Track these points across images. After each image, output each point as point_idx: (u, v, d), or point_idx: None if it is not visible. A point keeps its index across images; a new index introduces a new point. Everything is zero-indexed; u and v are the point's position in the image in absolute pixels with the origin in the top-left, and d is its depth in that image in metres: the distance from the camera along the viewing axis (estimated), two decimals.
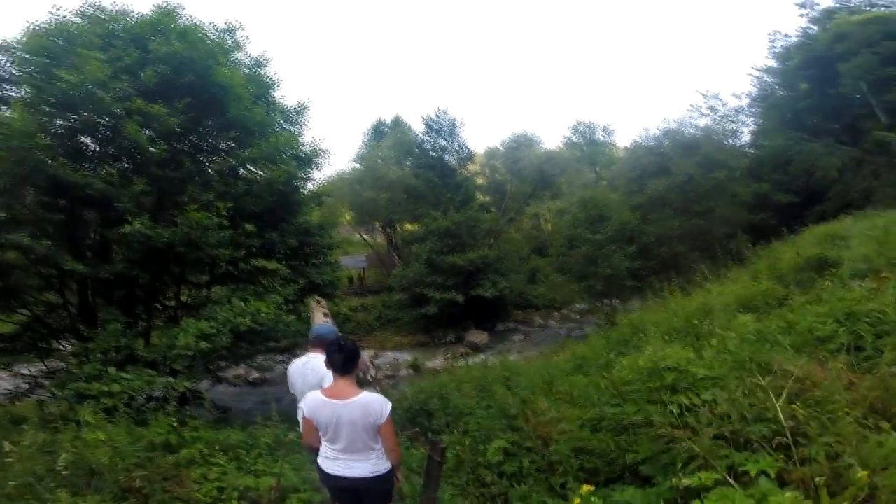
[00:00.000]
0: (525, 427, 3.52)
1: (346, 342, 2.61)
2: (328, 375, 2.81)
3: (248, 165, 7.76)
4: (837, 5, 17.65)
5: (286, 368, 13.26)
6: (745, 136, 21.33)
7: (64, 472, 3.16)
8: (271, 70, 9.11)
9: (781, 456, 2.09)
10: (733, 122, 20.71)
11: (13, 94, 6.21)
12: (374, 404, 2.49)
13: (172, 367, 6.03)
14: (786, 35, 19.32)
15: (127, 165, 6.48)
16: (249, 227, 6.88)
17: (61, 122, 5.90)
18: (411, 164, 25.56)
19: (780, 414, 2.19)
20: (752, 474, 1.98)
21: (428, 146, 25.10)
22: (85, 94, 5.71)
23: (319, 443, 2.63)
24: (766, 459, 1.99)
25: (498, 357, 7.40)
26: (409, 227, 28.52)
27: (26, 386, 6.66)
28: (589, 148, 32.04)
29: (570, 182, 25.47)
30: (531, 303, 24.08)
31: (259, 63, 8.97)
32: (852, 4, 17.22)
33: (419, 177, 23.80)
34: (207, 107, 7.10)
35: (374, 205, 24.32)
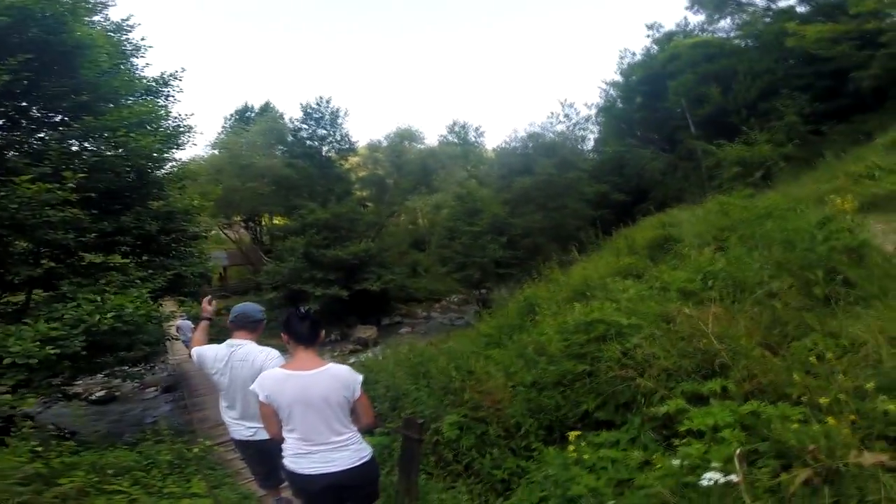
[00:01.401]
0: (476, 397, 3.54)
1: (304, 311, 2.28)
2: (268, 364, 2.50)
3: (96, 136, 6.22)
4: (677, 29, 21.46)
5: (137, 382, 11.11)
6: (591, 142, 25.07)
7: None
8: (136, 36, 7.76)
9: (720, 381, 2.53)
10: (583, 129, 24.25)
11: None
12: (346, 373, 2.21)
13: (4, 382, 4.64)
14: (632, 53, 23.09)
15: None
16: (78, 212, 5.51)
17: None
18: (283, 152, 23.71)
19: (716, 344, 2.66)
20: (702, 393, 2.39)
21: (305, 135, 23.60)
22: None
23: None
24: (715, 381, 2.39)
25: (393, 349, 7.36)
26: (277, 220, 26.37)
27: None
28: (462, 147, 33.88)
29: (446, 179, 26.50)
30: (413, 296, 24.47)
31: (120, 28, 7.65)
32: (688, 28, 21.09)
33: (293, 166, 22.13)
34: (53, 67, 5.62)
35: (237, 196, 21.80)
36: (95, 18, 7.11)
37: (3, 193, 4.67)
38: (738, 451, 1.53)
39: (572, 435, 2.42)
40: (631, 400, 2.76)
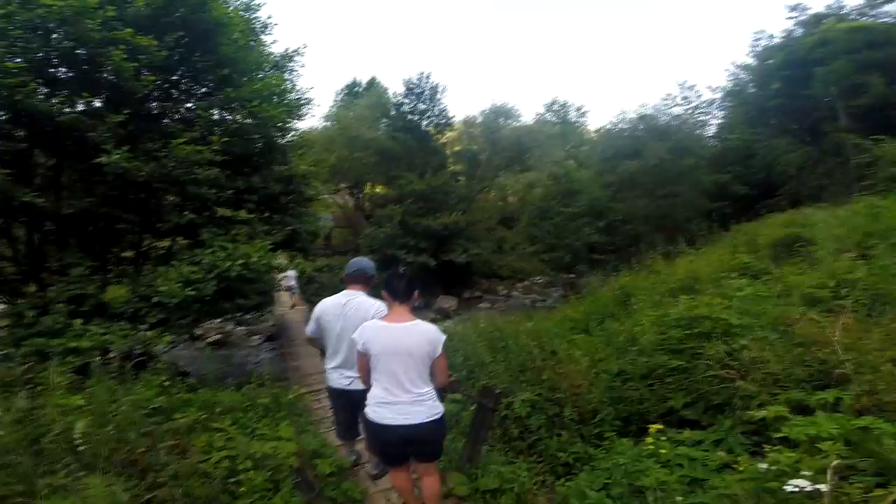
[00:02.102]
0: (554, 379, 3.54)
1: (400, 270, 2.58)
2: (376, 315, 2.74)
3: (234, 106, 7.08)
4: (827, 11, 18.37)
5: (245, 329, 12.53)
6: (713, 128, 22.41)
7: (51, 447, 2.69)
8: (263, 14, 8.51)
9: (834, 392, 2.27)
10: (705, 113, 21.72)
11: None
12: (433, 331, 2.43)
13: (148, 321, 5.36)
14: (770, 35, 20.11)
15: (107, 97, 5.66)
16: (218, 172, 6.23)
17: (35, 45, 4.99)
18: (386, 126, 24.68)
19: (840, 354, 2.37)
20: (808, 403, 2.16)
21: (407, 109, 24.35)
22: (63, 20, 4.89)
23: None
24: (829, 392, 2.16)
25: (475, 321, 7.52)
26: (378, 189, 27.90)
27: None
28: (562, 126, 32.36)
29: (541, 158, 25.70)
30: (496, 272, 24.53)
31: (249, 7, 8.32)
32: (843, 12, 18.02)
33: (396, 139, 23.12)
34: (198, 43, 6.40)
35: (345, 165, 23.47)
36: None
37: (163, 153, 5.57)
38: (833, 463, 1.40)
39: (653, 428, 2.36)
40: (725, 402, 2.58)
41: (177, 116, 6.96)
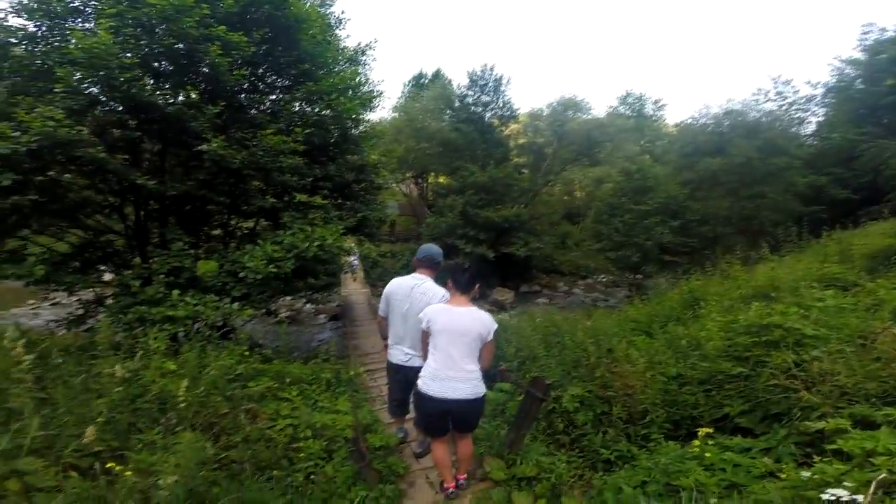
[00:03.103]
0: (608, 377, 3.53)
1: (466, 267, 2.90)
2: (440, 299, 3.03)
3: (314, 99, 7.56)
4: None
5: (313, 307, 13.21)
6: (811, 126, 20.17)
7: (146, 406, 2.99)
8: (337, 9, 8.91)
9: None
10: (802, 110, 19.59)
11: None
12: (487, 318, 2.76)
13: (232, 294, 5.83)
14: (881, 28, 17.68)
15: (203, 89, 6.21)
16: (297, 160, 6.63)
17: (144, 42, 5.60)
18: (450, 117, 24.99)
19: None
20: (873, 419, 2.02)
21: (470, 101, 24.50)
22: (165, 18, 5.45)
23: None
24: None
25: (530, 314, 7.46)
26: (441, 179, 28.36)
27: (80, 311, 6.44)
28: (636, 120, 30.58)
29: (612, 153, 24.58)
30: (557, 268, 24.07)
31: (324, 3, 8.74)
32: None
33: (458, 130, 23.34)
34: (280, 39, 6.87)
35: (410, 155, 24.09)
36: None
37: (253, 143, 6.13)
38: (880, 477, 1.35)
39: (703, 431, 2.32)
40: (784, 412, 2.46)
41: (262, 108, 7.58)
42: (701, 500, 1.89)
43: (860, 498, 1.32)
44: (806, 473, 1.62)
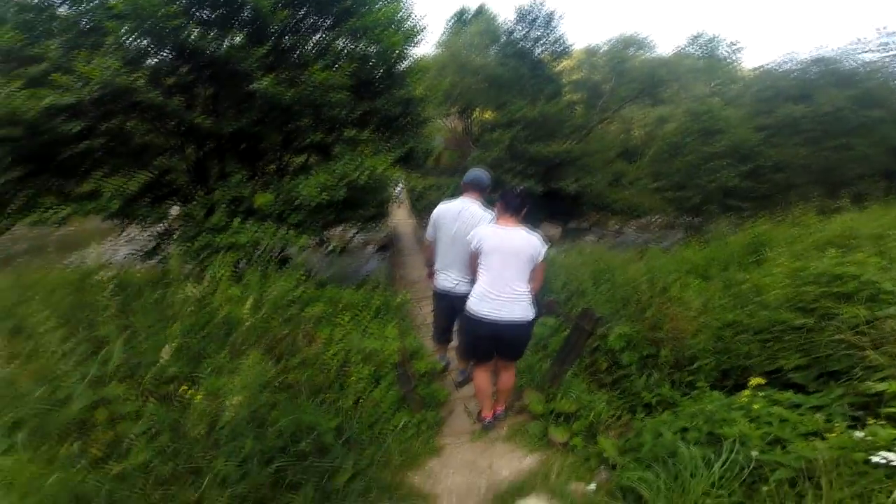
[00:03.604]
0: (659, 317, 3.45)
1: (517, 188, 2.90)
2: (488, 222, 3.00)
3: (358, 35, 7.28)
4: None
5: (362, 238, 13.75)
6: None
7: (214, 331, 3.06)
8: None
9: None
10: None
11: None
12: (537, 240, 2.72)
13: (289, 222, 6.05)
14: None
15: (248, 33, 6.13)
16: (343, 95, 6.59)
17: None
18: (496, 52, 23.76)
19: None
20: None
21: (518, 36, 23.12)
22: None
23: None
24: None
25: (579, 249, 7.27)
26: (487, 115, 27.38)
27: (153, 244, 6.97)
28: (708, 61, 27.28)
29: (678, 93, 22.50)
30: (609, 206, 23.11)
31: None
32: None
33: (506, 66, 22.17)
34: None
35: (455, 90, 23.28)
36: None
37: (302, 80, 6.09)
38: None
39: (753, 381, 2.26)
40: (844, 370, 2.33)
41: (308, 48, 7.44)
42: (742, 452, 1.88)
43: None
44: (859, 434, 1.56)
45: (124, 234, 7.69)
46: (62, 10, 5.63)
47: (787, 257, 4.42)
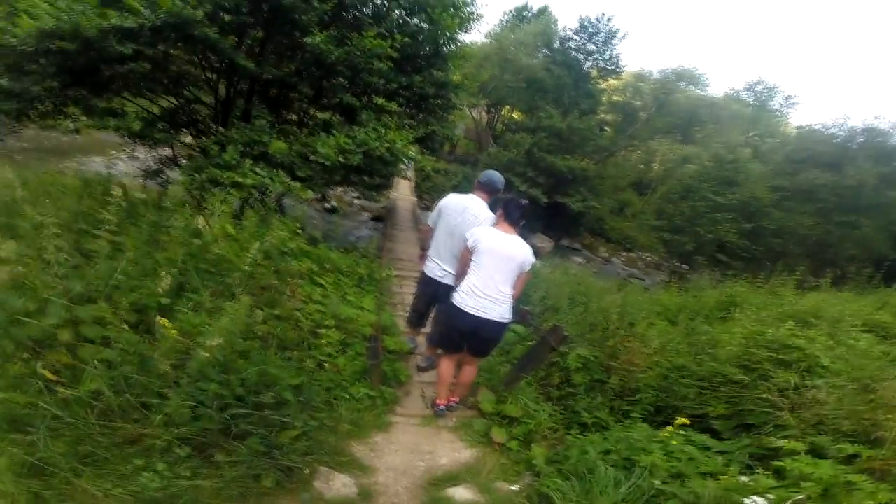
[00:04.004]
0: (618, 348, 3.71)
1: (521, 201, 3.03)
2: (489, 223, 3.14)
3: (416, 10, 7.35)
4: None
5: (358, 203, 13.82)
6: None
7: (206, 267, 3.00)
8: None
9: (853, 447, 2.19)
10: None
11: None
12: (528, 251, 2.91)
13: (298, 174, 6.08)
14: None
15: None
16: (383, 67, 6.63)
17: None
18: (545, 56, 23.69)
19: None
20: (826, 451, 2.17)
21: (573, 45, 22.94)
22: None
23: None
24: (856, 447, 2.13)
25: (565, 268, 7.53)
26: (515, 114, 27.29)
27: (156, 166, 7.17)
28: (756, 110, 27.25)
29: (711, 135, 22.65)
30: (605, 233, 23.55)
31: None
32: None
33: (550, 71, 22.07)
34: None
35: (491, 83, 23.18)
36: None
37: (353, 42, 6.15)
38: (797, 498, 1.56)
39: (679, 420, 2.52)
40: (760, 424, 2.63)
41: (365, 10, 7.43)
42: (647, 479, 2.15)
43: None
44: (744, 479, 1.83)
45: (127, 150, 7.77)
46: None
47: (750, 321, 4.73)
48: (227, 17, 5.89)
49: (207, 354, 2.09)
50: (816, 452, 2.17)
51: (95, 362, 1.97)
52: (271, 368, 2.38)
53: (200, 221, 3.36)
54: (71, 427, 1.88)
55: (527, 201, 3.06)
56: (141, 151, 7.66)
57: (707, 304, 6.10)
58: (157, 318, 2.21)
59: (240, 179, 5.28)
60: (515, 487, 2.56)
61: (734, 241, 15.56)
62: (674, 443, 2.42)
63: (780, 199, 16.22)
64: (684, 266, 18.00)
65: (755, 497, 1.62)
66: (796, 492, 1.70)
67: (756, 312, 5.36)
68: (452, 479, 2.64)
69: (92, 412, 1.93)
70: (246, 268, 2.98)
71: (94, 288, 2.28)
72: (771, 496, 1.66)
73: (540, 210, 19.64)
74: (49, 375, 1.92)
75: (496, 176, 3.48)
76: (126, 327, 2.19)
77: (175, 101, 7.18)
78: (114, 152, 16.91)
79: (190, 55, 6.47)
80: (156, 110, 6.98)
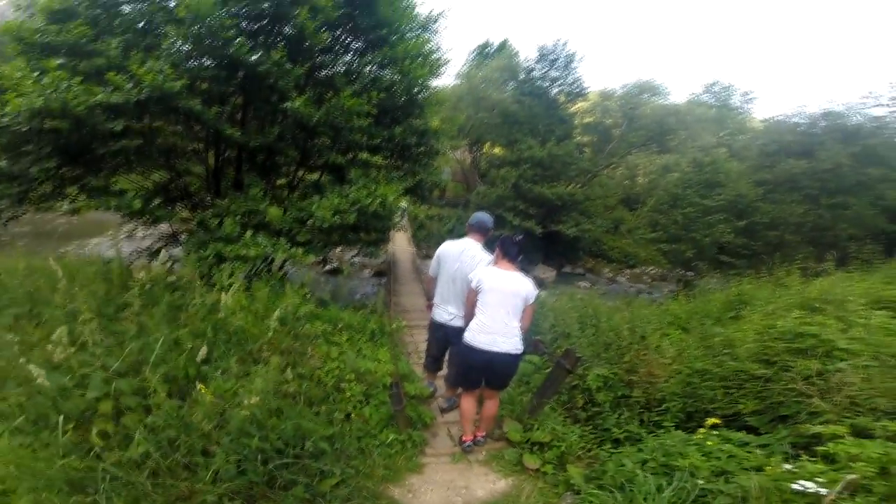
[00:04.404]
0: (636, 362, 3.71)
1: (517, 239, 3.19)
2: (487, 263, 3.31)
3: (387, 63, 7.77)
4: None
5: (358, 261, 14.13)
6: None
7: (227, 338, 3.21)
8: None
9: None
10: None
11: None
12: (530, 284, 3.07)
13: (296, 239, 6.20)
14: None
15: (287, 50, 6.36)
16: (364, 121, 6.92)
17: (244, 4, 5.94)
18: (513, 89, 24.66)
19: None
20: (872, 430, 2.13)
21: (537, 74, 24.05)
22: None
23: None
24: (888, 422, 2.10)
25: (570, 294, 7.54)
26: (496, 150, 28.11)
27: (158, 244, 7.28)
28: (720, 111, 28.34)
29: (685, 141, 23.24)
30: (605, 253, 23.59)
31: None
32: None
33: (521, 103, 23.01)
34: (360, 4, 7.06)
35: (468, 123, 24.00)
36: None
37: (331, 103, 6.48)
38: (848, 477, 1.53)
39: (710, 421, 2.51)
40: (793, 415, 2.59)
41: (337, 68, 7.87)
42: (690, 481, 2.11)
43: (823, 491, 1.51)
44: (788, 467, 1.81)
45: (124, 230, 7.97)
46: (126, 9, 6.04)
47: (760, 315, 4.72)
48: (203, 86, 6.15)
49: (247, 412, 2.31)
50: (861, 433, 2.15)
51: (142, 427, 2.20)
52: (304, 422, 2.57)
53: (223, 298, 3.47)
54: (127, 487, 2.07)
55: (521, 237, 3.23)
56: (138, 230, 7.80)
57: (716, 307, 6.09)
58: (197, 384, 2.45)
59: (244, 252, 5.39)
60: None
61: (731, 240, 15.66)
62: (709, 443, 2.39)
63: (765, 193, 16.48)
64: (689, 273, 17.96)
65: (803, 482, 1.60)
66: (847, 473, 1.67)
67: (764, 307, 5.38)
68: None
69: (142, 473, 2.13)
70: (269, 334, 3.15)
71: (127, 364, 2.52)
72: (821, 479, 1.64)
73: (537, 241, 19.82)
74: (99, 442, 2.15)
75: (484, 216, 3.70)
76: (163, 395, 2.39)
77: (166, 175, 7.41)
78: (110, 232, 17.40)
79: (175, 126, 6.75)
80: (149, 185, 7.16)
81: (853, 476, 1.57)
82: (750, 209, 16.20)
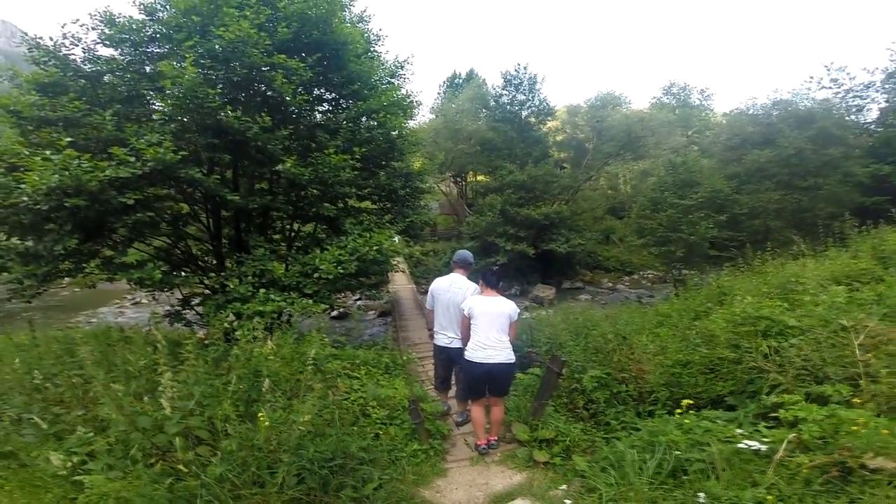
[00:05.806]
0: (622, 361, 4.13)
1: (495, 269, 3.89)
2: (469, 294, 3.94)
3: (364, 118, 8.36)
4: None
5: (363, 303, 14.56)
6: (874, 114, 18.91)
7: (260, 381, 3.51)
8: (374, 26, 9.47)
9: (851, 390, 2.55)
10: (860, 97, 18.43)
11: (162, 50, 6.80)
12: (512, 304, 3.75)
13: (304, 292, 6.54)
14: None
15: (272, 114, 6.84)
16: (349, 169, 7.24)
17: (222, 74, 6.40)
18: (486, 117, 25.84)
19: (858, 356, 2.65)
20: (829, 396, 2.51)
21: (506, 100, 25.34)
22: (236, 50, 6.16)
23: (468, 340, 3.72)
24: (841, 387, 2.50)
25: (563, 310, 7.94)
26: (480, 178, 28.97)
27: (175, 310, 7.62)
28: (682, 111, 29.72)
29: (657, 145, 24.18)
30: (601, 264, 24.03)
31: (362, 19, 9.25)
32: None
33: (496, 130, 24.05)
34: (330, 62, 7.68)
35: (449, 155, 24.87)
36: (344, 14, 8.50)
37: (318, 161, 7.00)
38: (790, 436, 1.91)
39: (685, 402, 2.89)
40: (759, 389, 2.97)
41: (316, 122, 8.39)
42: (669, 453, 2.49)
43: (764, 447, 1.89)
44: (739, 431, 2.19)
45: (129, 298, 8.27)
46: (107, 78, 6.55)
47: (735, 306, 5.12)
48: (203, 154, 6.50)
49: (302, 429, 2.86)
50: (818, 399, 2.53)
51: (220, 453, 2.68)
52: (342, 437, 3.10)
53: (267, 348, 4.01)
54: (218, 501, 2.51)
55: (497, 267, 3.98)
56: (143, 297, 8.16)
57: (701, 302, 6.49)
58: (258, 414, 2.91)
59: (261, 308, 5.79)
60: (564, 487, 2.94)
61: (717, 234, 16.15)
62: (686, 421, 2.76)
63: (739, 185, 17.15)
64: (685, 272, 18.34)
65: (747, 441, 1.98)
66: (797, 434, 2.04)
67: (743, 297, 5.79)
68: (511, 496, 3.12)
69: (223, 491, 2.55)
70: (302, 374, 3.66)
71: (192, 407, 3.02)
72: (767, 439, 2.03)
73: (531, 262, 20.27)
74: (184, 469, 2.60)
75: (466, 253, 4.44)
76: (232, 426, 2.84)
77: (170, 241, 7.78)
78: (116, 301, 17.90)
79: (178, 194, 7.20)
80: (151, 251, 7.50)
81: (793, 435, 1.94)
82: (728, 202, 16.78)
